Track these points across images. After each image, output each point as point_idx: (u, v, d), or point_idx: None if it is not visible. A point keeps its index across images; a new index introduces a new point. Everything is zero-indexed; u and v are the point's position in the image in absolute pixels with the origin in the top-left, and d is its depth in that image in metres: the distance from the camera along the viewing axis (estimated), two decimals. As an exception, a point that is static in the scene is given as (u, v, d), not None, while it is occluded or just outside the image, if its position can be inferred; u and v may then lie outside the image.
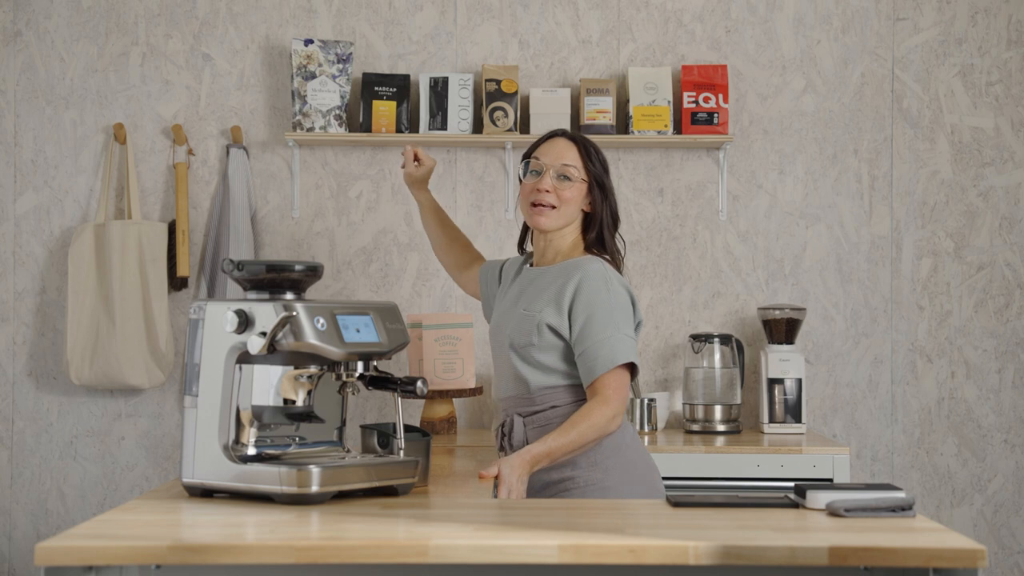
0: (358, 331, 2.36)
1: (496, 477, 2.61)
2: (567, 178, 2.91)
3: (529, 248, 3.14)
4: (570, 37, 4.31)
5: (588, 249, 2.97)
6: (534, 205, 2.92)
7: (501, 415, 2.97)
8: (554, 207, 2.90)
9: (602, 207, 2.95)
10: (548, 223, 2.92)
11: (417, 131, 4.24)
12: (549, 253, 2.98)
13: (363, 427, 2.56)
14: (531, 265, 3.04)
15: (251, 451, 2.35)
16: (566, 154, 2.93)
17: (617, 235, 3.01)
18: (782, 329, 4.12)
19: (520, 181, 3.00)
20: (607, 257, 2.96)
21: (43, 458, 4.28)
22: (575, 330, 2.82)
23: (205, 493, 2.36)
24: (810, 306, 4.27)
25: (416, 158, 3.23)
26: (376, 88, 4.21)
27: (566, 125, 4.18)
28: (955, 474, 4.25)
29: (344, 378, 2.40)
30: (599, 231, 2.95)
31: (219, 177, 4.29)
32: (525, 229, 3.14)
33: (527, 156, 2.98)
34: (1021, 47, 4.29)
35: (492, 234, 4.28)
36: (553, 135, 3.00)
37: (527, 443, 2.84)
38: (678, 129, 4.22)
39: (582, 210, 2.96)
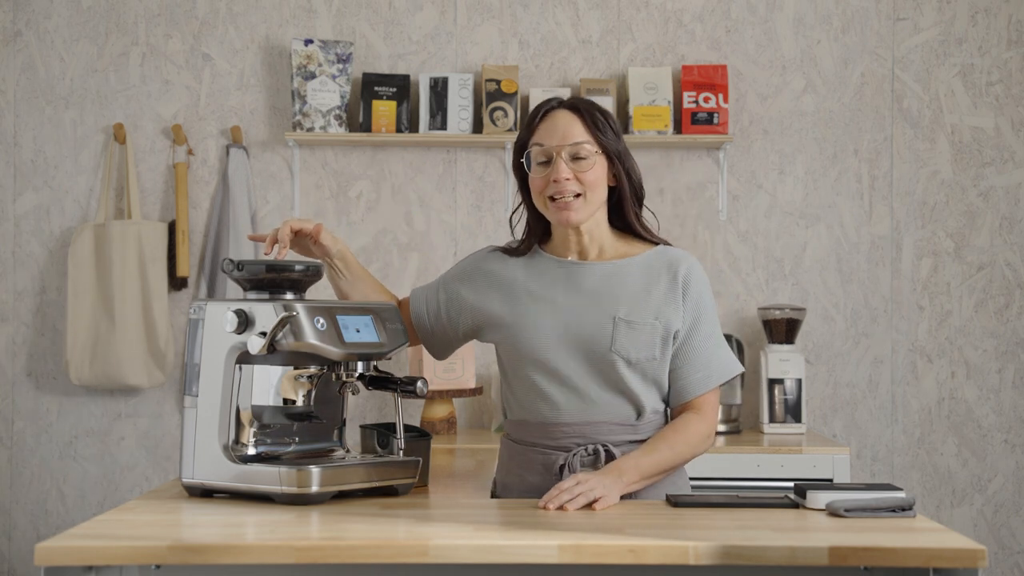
0: (358, 331, 2.36)
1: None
2: (581, 157, 2.43)
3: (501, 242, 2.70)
4: (570, 37, 4.31)
5: (615, 226, 2.54)
6: (554, 199, 2.44)
7: (565, 442, 2.45)
8: (579, 195, 2.43)
9: (625, 179, 2.48)
10: (579, 216, 2.44)
11: (417, 131, 4.24)
12: (592, 249, 2.51)
13: (363, 427, 2.56)
14: (561, 258, 2.53)
15: (251, 451, 2.35)
16: (572, 130, 2.44)
17: (645, 208, 2.57)
18: (782, 329, 4.12)
19: (517, 176, 2.54)
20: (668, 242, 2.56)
21: (43, 458, 4.28)
22: (681, 333, 2.46)
23: (205, 493, 2.36)
24: (810, 306, 4.27)
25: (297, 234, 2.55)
26: (376, 88, 4.21)
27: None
28: (955, 474, 4.25)
29: (344, 378, 2.40)
30: (628, 208, 2.50)
31: (219, 177, 4.29)
32: (530, 227, 2.59)
33: (524, 142, 2.50)
34: (1021, 47, 4.28)
35: (492, 234, 4.28)
36: (548, 110, 2.48)
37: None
38: (678, 129, 4.22)
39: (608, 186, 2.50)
